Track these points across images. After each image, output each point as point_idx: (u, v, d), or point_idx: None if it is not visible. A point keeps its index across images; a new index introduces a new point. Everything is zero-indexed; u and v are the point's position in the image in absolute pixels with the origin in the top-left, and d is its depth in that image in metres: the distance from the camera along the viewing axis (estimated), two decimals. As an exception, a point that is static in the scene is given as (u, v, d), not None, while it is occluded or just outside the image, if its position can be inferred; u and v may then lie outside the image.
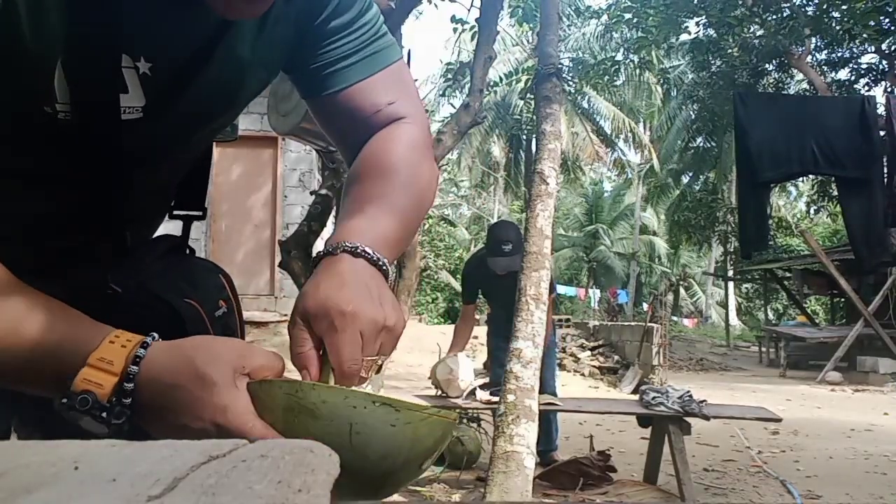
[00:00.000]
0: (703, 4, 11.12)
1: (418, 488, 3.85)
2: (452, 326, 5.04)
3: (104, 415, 0.58)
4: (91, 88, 0.69)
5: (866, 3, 9.92)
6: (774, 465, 5.05)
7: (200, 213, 0.95)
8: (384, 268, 0.73)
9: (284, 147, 9.46)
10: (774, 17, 11.41)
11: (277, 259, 5.11)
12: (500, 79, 12.27)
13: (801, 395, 9.97)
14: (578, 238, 28.10)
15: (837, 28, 11.13)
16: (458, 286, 5.43)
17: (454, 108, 19.04)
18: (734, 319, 26.14)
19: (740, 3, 11.03)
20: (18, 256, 0.65)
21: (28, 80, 0.66)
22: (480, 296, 4.92)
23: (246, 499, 0.35)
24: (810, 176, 12.50)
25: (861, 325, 12.16)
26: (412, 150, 0.86)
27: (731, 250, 21.10)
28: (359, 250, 0.72)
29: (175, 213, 0.94)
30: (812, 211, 23.40)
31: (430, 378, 4.35)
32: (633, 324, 12.84)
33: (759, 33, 12.00)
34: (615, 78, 11.83)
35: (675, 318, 21.03)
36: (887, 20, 11.38)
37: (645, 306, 18.51)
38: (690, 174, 22.54)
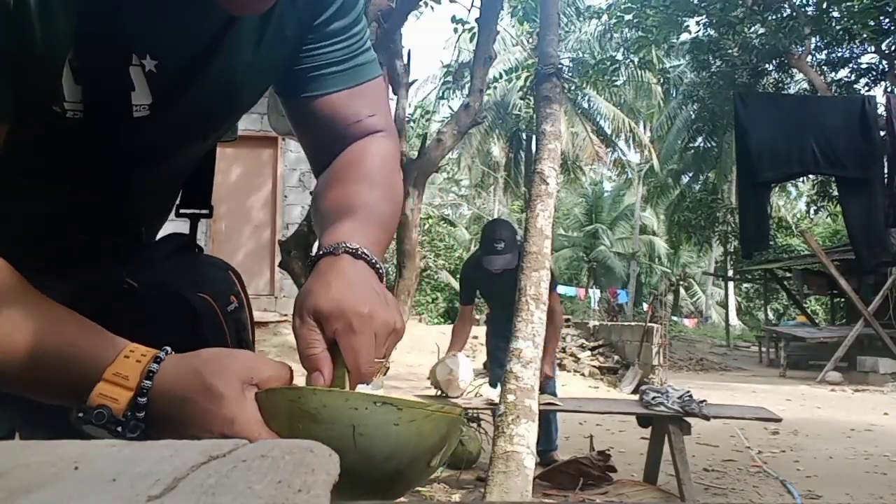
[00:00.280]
0: (703, 4, 11.12)
1: (418, 488, 3.85)
2: (452, 326, 5.04)
3: (119, 429, 0.59)
4: (102, 87, 0.70)
5: (863, 1, 9.92)
6: (774, 465, 5.05)
7: (207, 212, 0.96)
8: (381, 271, 0.74)
9: (284, 147, 9.46)
10: (774, 16, 11.42)
11: (277, 259, 5.11)
12: (500, 75, 12.30)
13: (801, 395, 9.97)
14: (578, 238, 28.10)
15: (837, 28, 11.13)
16: (458, 286, 5.44)
17: (452, 109, 19.10)
18: (734, 319, 26.14)
19: (740, 2, 11.03)
20: (33, 255, 0.66)
21: (36, 80, 0.66)
22: (479, 296, 4.92)
23: (246, 499, 0.35)
24: (810, 176, 12.51)
25: (861, 325, 12.16)
26: (391, 163, 0.89)
27: (731, 250, 21.10)
28: (359, 252, 0.72)
29: (182, 211, 0.95)
30: (812, 211, 23.39)
31: (429, 378, 4.35)
32: (633, 324, 12.84)
33: (759, 33, 11.99)
34: (614, 78, 11.82)
35: (675, 318, 21.03)
36: (887, 20, 11.38)
37: (645, 306, 18.51)
38: (690, 174, 22.55)
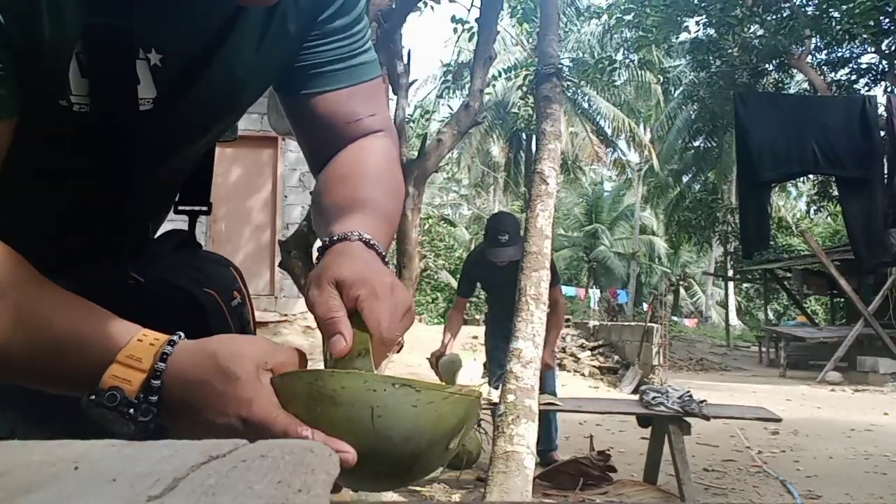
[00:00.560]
0: (703, 4, 11.12)
1: (418, 488, 3.85)
2: (448, 313, 5.06)
3: (131, 411, 0.59)
4: (109, 80, 0.70)
5: (865, 2, 9.92)
6: (774, 465, 5.05)
7: (206, 208, 0.96)
8: (388, 265, 0.74)
9: (284, 147, 9.45)
10: (774, 17, 11.41)
11: (277, 259, 5.10)
12: (500, 73, 12.29)
13: (801, 395, 9.97)
14: (578, 238, 28.11)
15: (837, 28, 11.13)
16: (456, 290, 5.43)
17: (452, 109, 19.09)
18: (734, 319, 26.14)
19: (740, 2, 11.03)
20: (38, 252, 0.66)
21: (44, 75, 0.66)
22: (480, 289, 4.92)
23: (246, 499, 0.35)
24: (810, 176, 12.51)
25: (861, 325, 12.16)
26: (393, 161, 0.90)
27: (731, 250, 21.10)
28: (371, 242, 0.73)
29: (181, 207, 0.95)
30: (812, 211, 23.42)
31: (430, 366, 4.36)
32: (633, 324, 12.84)
33: (759, 33, 12.00)
34: (613, 77, 11.83)
35: (675, 318, 21.03)
36: (887, 20, 11.38)
37: (645, 306, 18.51)
38: (690, 174, 22.55)
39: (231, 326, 0.86)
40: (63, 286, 0.65)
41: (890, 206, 7.17)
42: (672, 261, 29.85)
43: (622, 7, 10.97)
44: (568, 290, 19.66)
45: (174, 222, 0.95)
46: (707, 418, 4.12)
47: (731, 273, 22.67)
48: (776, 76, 14.82)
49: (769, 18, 11.38)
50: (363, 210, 0.79)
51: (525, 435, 3.16)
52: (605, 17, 12.49)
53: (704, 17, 11.68)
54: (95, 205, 0.79)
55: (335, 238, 0.73)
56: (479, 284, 4.91)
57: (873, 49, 12.58)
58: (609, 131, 23.27)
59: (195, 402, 0.60)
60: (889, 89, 12.36)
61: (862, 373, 11.93)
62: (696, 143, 19.88)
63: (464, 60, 9.10)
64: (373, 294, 0.66)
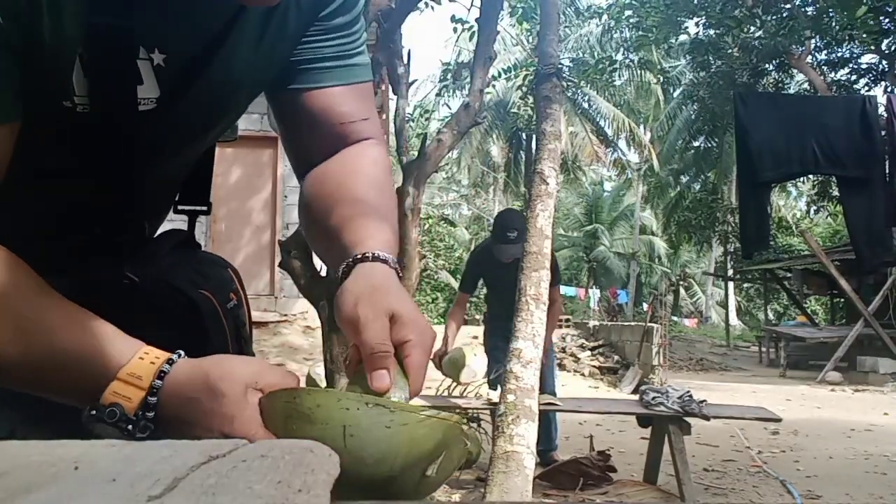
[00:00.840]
0: (703, 4, 11.11)
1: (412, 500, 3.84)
2: (449, 311, 5.06)
3: (130, 427, 0.60)
4: (110, 80, 0.70)
5: (864, 5, 9.91)
6: (774, 465, 5.05)
7: (205, 208, 0.96)
8: (400, 275, 0.75)
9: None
10: (774, 17, 11.41)
11: (277, 260, 5.10)
12: (500, 73, 12.32)
13: (801, 395, 9.97)
14: (578, 238, 28.10)
15: (837, 28, 11.13)
16: (458, 286, 5.41)
17: (451, 108, 19.09)
18: (734, 319, 26.13)
19: (740, 3, 11.03)
20: (37, 252, 0.66)
21: (46, 76, 0.67)
22: (482, 286, 4.92)
23: (246, 499, 0.35)
24: (811, 176, 12.51)
25: (861, 325, 12.16)
26: (389, 173, 0.90)
27: (731, 250, 21.10)
28: (390, 262, 0.73)
29: (180, 207, 0.95)
30: (812, 211, 23.41)
31: (434, 366, 4.36)
32: (633, 324, 12.84)
33: (758, 34, 12.00)
34: (612, 77, 11.84)
35: (675, 318, 21.03)
36: (887, 20, 11.38)
37: (645, 306, 18.51)
38: (691, 174, 22.55)
39: (226, 328, 0.86)
40: (62, 285, 0.65)
41: (891, 206, 7.17)
42: (672, 261, 29.85)
43: (622, 7, 10.97)
44: (568, 290, 19.66)
45: (174, 222, 0.95)
46: (707, 418, 4.12)
47: (731, 273, 22.66)
48: (776, 76, 14.82)
49: (769, 19, 11.38)
50: (381, 226, 0.78)
51: (525, 435, 3.16)
52: (605, 16, 12.49)
53: (704, 18, 11.68)
54: (94, 204, 0.80)
55: (377, 255, 0.73)
56: (481, 281, 4.92)
57: (873, 49, 12.58)
58: (609, 131, 23.27)
59: (186, 417, 0.61)
60: (889, 89, 12.36)
61: (862, 373, 11.92)
62: (696, 143, 19.89)
63: (464, 60, 9.09)
64: (420, 345, 0.66)
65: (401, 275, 0.74)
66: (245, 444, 0.44)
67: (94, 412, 0.60)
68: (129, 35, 0.69)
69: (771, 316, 24.92)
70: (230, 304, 0.88)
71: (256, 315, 8.84)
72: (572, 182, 26.51)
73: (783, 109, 7.44)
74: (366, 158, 0.86)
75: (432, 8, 6.66)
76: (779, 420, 4.30)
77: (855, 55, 13.76)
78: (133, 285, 0.80)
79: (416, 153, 5.03)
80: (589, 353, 11.44)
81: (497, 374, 4.00)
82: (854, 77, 14.13)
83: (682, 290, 28.96)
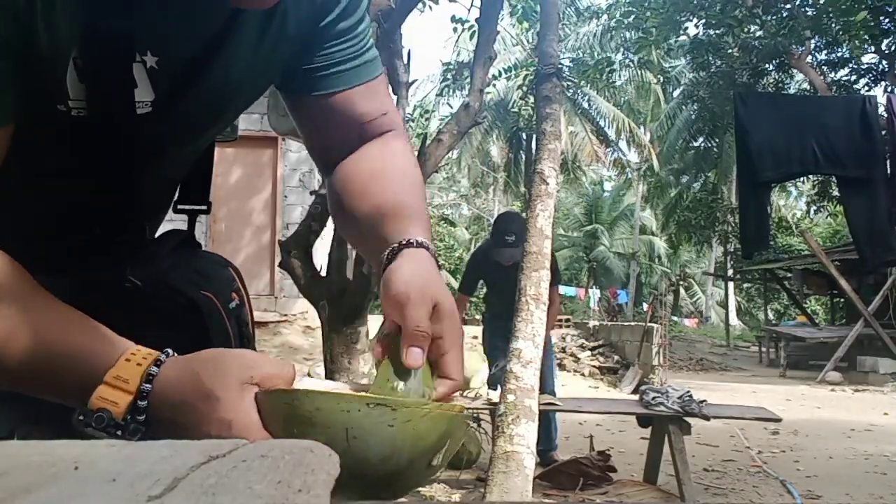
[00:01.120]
0: (702, 4, 11.11)
1: (419, 488, 3.85)
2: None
3: (119, 432, 0.59)
4: (106, 84, 0.70)
5: (863, 11, 9.92)
6: (774, 465, 5.05)
7: (205, 208, 0.96)
8: (437, 258, 0.78)
9: (285, 147, 9.45)
10: (774, 17, 11.41)
11: (277, 260, 5.10)
12: (500, 73, 12.34)
13: (801, 395, 9.97)
14: (578, 238, 28.10)
15: (837, 28, 11.13)
16: (457, 286, 5.41)
17: (451, 107, 19.08)
18: (734, 319, 26.13)
19: (740, 3, 11.03)
20: (36, 253, 0.66)
21: (42, 80, 0.66)
22: (481, 287, 4.92)
23: (246, 499, 0.35)
24: (811, 176, 12.50)
25: (861, 325, 12.16)
26: (414, 162, 0.92)
27: (731, 250, 21.10)
28: (431, 250, 0.76)
29: (180, 207, 0.95)
30: (812, 211, 23.40)
31: None
32: (633, 324, 12.84)
33: (758, 34, 11.99)
34: (611, 78, 11.84)
35: (675, 318, 21.02)
36: (887, 20, 11.38)
37: (645, 306, 18.51)
38: (691, 174, 22.54)
39: (229, 328, 0.86)
40: (62, 286, 0.65)
41: (892, 205, 7.17)
42: (672, 261, 29.85)
43: (622, 9, 10.97)
44: (568, 290, 19.66)
45: (174, 222, 0.95)
46: (707, 418, 4.12)
47: (731, 273, 22.67)
48: (776, 76, 14.82)
49: (769, 19, 11.38)
50: (419, 214, 0.80)
51: (525, 435, 3.16)
52: (604, 17, 12.49)
53: (704, 18, 11.68)
54: (94, 204, 0.79)
55: (420, 242, 0.75)
56: (481, 283, 4.91)
57: (873, 49, 12.58)
58: (609, 131, 23.27)
59: (179, 421, 0.60)
60: (889, 89, 12.36)
61: (862, 373, 11.92)
62: (696, 143, 19.88)
63: (464, 60, 9.09)
64: (455, 341, 0.69)
65: (439, 263, 0.77)
66: (245, 443, 0.44)
67: (81, 417, 0.59)
68: (126, 39, 0.69)
69: (771, 316, 24.92)
70: (232, 305, 0.88)
71: (257, 315, 8.75)
72: (572, 182, 26.51)
73: (783, 109, 7.44)
74: (390, 151, 0.88)
75: (430, 7, 6.66)
76: (779, 420, 4.31)
77: (855, 55, 13.76)
78: (135, 287, 0.80)
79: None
80: (589, 353, 11.45)
81: (499, 369, 4.00)
82: (854, 77, 14.13)
83: (682, 290, 28.96)
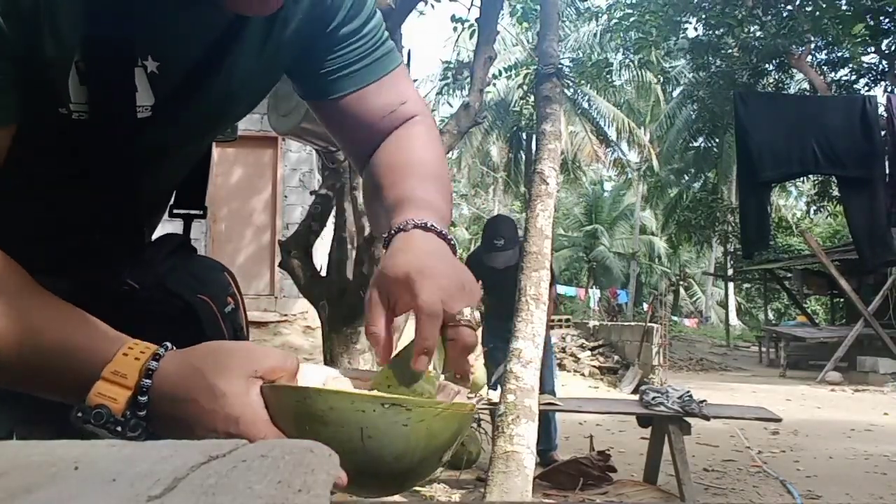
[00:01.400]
0: (702, 5, 11.12)
1: (417, 487, 3.85)
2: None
3: (119, 429, 0.58)
4: (107, 88, 0.70)
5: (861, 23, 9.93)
6: (774, 465, 5.05)
7: (201, 212, 0.96)
8: (452, 242, 0.75)
9: (285, 148, 9.45)
10: (773, 19, 11.41)
11: (277, 260, 5.11)
12: (500, 72, 12.34)
13: (801, 395, 9.97)
14: (578, 238, 28.10)
15: (837, 29, 11.13)
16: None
17: (451, 106, 19.07)
18: (734, 319, 26.13)
19: (740, 3, 11.03)
20: (34, 255, 0.66)
21: (44, 84, 0.66)
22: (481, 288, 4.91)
23: (246, 499, 0.35)
24: (811, 176, 12.50)
25: (861, 325, 12.16)
26: (438, 143, 0.92)
27: (731, 250, 21.10)
28: (429, 225, 0.74)
29: (175, 211, 0.95)
30: (812, 211, 23.40)
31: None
32: (633, 324, 12.83)
33: (758, 34, 11.99)
34: (610, 78, 11.83)
35: (675, 318, 21.03)
36: (887, 20, 11.38)
37: (645, 306, 18.51)
38: (691, 174, 22.55)
39: (225, 333, 0.86)
40: (59, 289, 0.65)
41: (893, 206, 7.16)
42: (672, 261, 29.85)
43: (623, 11, 10.97)
44: (568, 290, 19.68)
45: (172, 223, 0.95)
46: (707, 418, 4.12)
47: (731, 273, 22.68)
48: (776, 76, 14.82)
49: (768, 20, 11.38)
50: (421, 194, 0.80)
51: (525, 435, 3.16)
52: (604, 17, 12.49)
53: (704, 19, 11.68)
54: (92, 207, 0.79)
55: (392, 231, 0.74)
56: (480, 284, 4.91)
57: (873, 49, 12.58)
58: (609, 131, 23.27)
59: (183, 417, 0.59)
60: (889, 89, 12.36)
61: (862, 373, 11.92)
62: (696, 143, 19.89)
63: (464, 59, 9.08)
64: (409, 287, 0.66)
65: (443, 231, 0.75)
66: (245, 443, 0.44)
67: (80, 414, 0.58)
68: (127, 43, 0.69)
69: (771, 316, 24.92)
70: (228, 309, 0.88)
71: (257, 315, 8.84)
72: (572, 182, 26.51)
73: (783, 109, 7.44)
74: (406, 141, 0.88)
75: (433, 6, 6.66)
76: (779, 420, 4.31)
77: (855, 56, 13.76)
78: (132, 291, 0.80)
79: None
80: (589, 353, 11.44)
81: (499, 375, 4.00)
82: (854, 77, 14.13)
83: (681, 290, 28.96)
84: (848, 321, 15.01)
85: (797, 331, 14.97)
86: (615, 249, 27.47)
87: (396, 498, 3.26)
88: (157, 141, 0.77)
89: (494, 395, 3.93)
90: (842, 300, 16.99)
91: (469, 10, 7.11)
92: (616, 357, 11.27)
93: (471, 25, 7.14)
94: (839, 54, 13.89)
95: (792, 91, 16.11)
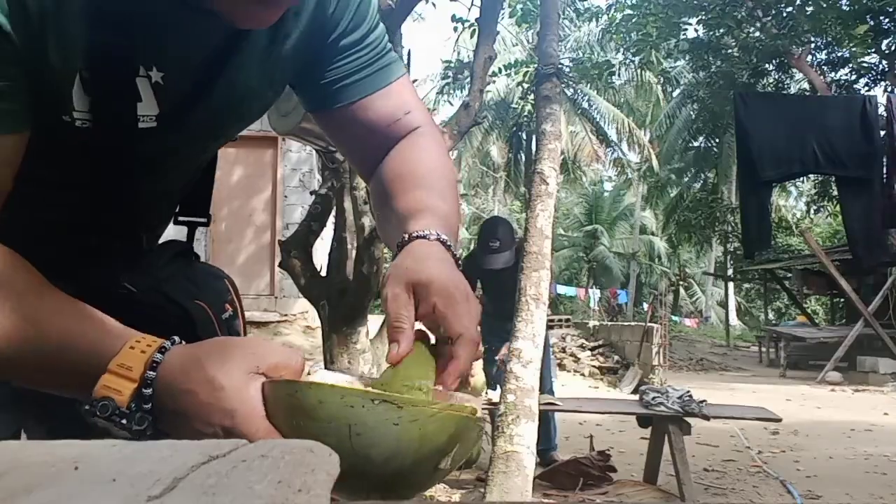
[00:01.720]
0: (702, 5, 11.11)
1: (423, 491, 3.85)
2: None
3: (125, 421, 0.58)
4: (110, 97, 0.71)
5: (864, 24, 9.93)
6: (774, 465, 5.05)
7: (205, 220, 0.97)
8: (459, 265, 0.76)
9: (285, 148, 9.46)
10: (773, 20, 11.41)
11: (278, 260, 5.11)
12: (500, 70, 12.34)
13: (801, 395, 9.96)
14: (578, 238, 28.10)
15: (837, 30, 11.14)
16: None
17: (451, 105, 19.07)
18: (734, 319, 26.13)
19: (740, 4, 11.03)
20: (32, 257, 0.66)
21: (48, 92, 0.67)
22: (479, 289, 4.92)
23: (246, 499, 0.35)
24: (811, 176, 12.51)
25: (861, 325, 12.16)
26: (445, 157, 0.92)
27: (731, 250, 21.10)
28: (448, 243, 0.75)
29: (180, 218, 0.96)
30: (812, 211, 23.41)
31: None
32: (633, 324, 12.84)
33: (758, 34, 11.99)
34: (610, 79, 11.82)
35: (675, 318, 21.03)
36: (887, 20, 11.38)
37: (645, 306, 18.51)
38: (690, 174, 22.55)
39: None
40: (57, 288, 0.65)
41: (888, 207, 7.17)
42: (672, 261, 29.85)
43: (623, 12, 10.97)
44: (568, 290, 19.67)
45: (176, 229, 0.96)
46: (707, 418, 4.12)
47: (731, 273, 22.67)
48: (776, 76, 14.83)
49: (768, 21, 11.38)
50: (432, 210, 0.80)
51: (525, 435, 3.16)
52: (604, 18, 12.48)
53: (704, 20, 11.68)
54: (93, 215, 0.80)
55: (414, 235, 0.74)
56: (478, 284, 4.92)
57: (873, 49, 12.58)
58: (609, 131, 23.27)
59: (183, 409, 0.59)
60: (889, 89, 12.36)
61: (862, 373, 11.92)
62: (696, 143, 19.89)
63: (464, 59, 9.07)
64: (450, 300, 0.67)
65: (458, 256, 0.76)
66: (245, 444, 0.44)
67: (87, 406, 0.59)
68: (130, 53, 0.70)
69: (771, 316, 24.93)
70: (225, 315, 0.88)
71: (257, 315, 8.84)
72: (572, 182, 26.52)
73: (783, 109, 7.45)
74: (408, 152, 0.88)
75: (434, 5, 6.66)
76: (779, 420, 4.31)
77: (855, 57, 13.77)
78: (129, 295, 0.80)
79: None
80: (589, 353, 11.45)
81: (497, 373, 4.00)
82: (854, 77, 14.13)
83: (681, 290, 28.96)
84: (848, 321, 15.00)
85: (797, 331, 14.96)
86: (615, 249, 27.48)
87: (396, 498, 3.26)
88: (159, 150, 0.78)
89: (494, 395, 3.94)
90: (842, 300, 16.99)
91: (469, 10, 7.12)
92: (616, 357, 11.27)
93: (471, 25, 7.14)
94: (839, 54, 13.90)
95: (792, 91, 16.11)
